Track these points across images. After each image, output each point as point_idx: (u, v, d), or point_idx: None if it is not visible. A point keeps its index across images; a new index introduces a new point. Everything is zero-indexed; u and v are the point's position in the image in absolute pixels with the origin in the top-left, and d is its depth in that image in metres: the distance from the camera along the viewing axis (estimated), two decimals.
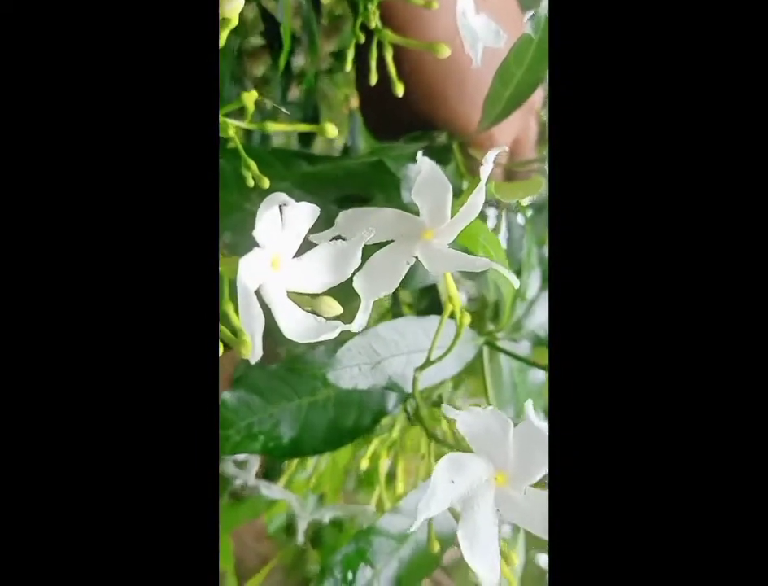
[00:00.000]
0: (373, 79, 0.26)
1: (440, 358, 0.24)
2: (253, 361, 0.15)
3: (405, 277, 0.31)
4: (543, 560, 0.35)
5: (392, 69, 0.26)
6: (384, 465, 0.28)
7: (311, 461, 0.32)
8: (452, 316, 0.23)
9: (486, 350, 0.32)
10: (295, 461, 0.31)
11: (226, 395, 0.26)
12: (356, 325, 0.18)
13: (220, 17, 0.18)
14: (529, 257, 0.31)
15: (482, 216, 0.32)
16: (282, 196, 0.16)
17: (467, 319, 0.22)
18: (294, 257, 0.17)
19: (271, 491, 0.28)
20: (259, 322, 0.15)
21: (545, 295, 0.32)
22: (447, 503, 0.16)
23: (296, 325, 0.16)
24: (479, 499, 0.17)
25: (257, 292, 0.15)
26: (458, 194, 0.31)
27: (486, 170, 0.18)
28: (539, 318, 0.32)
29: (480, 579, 0.16)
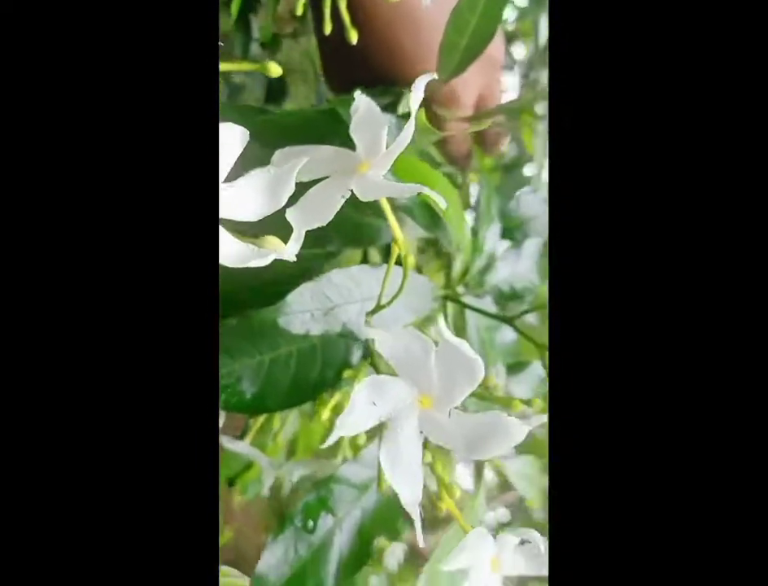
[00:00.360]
0: (327, 28, 0.26)
1: (390, 302, 0.24)
2: None
3: (372, 234, 0.31)
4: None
5: (345, 17, 0.26)
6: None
7: (278, 419, 0.32)
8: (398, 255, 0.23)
9: (450, 306, 0.32)
10: (261, 419, 0.31)
11: None
12: (288, 252, 0.18)
13: None
14: (488, 209, 0.31)
15: (451, 179, 0.32)
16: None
17: (411, 260, 0.22)
18: (224, 182, 0.17)
19: (235, 445, 0.29)
20: None
21: (507, 251, 0.32)
22: (366, 424, 0.17)
23: (227, 250, 0.16)
24: (402, 421, 0.17)
25: None
26: (422, 154, 0.31)
27: (415, 97, 0.18)
28: (502, 273, 0.32)
29: (402, 499, 0.16)
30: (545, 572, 0.19)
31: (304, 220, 0.19)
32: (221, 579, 0.27)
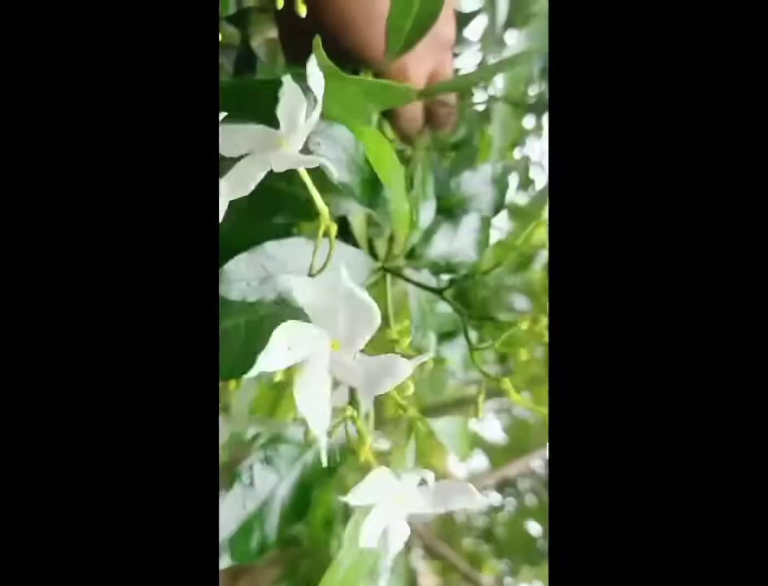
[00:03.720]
0: (280, 3, 0.27)
1: (319, 271, 0.25)
2: None
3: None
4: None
5: None
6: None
7: (233, 383, 0.33)
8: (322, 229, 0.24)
9: (389, 278, 0.33)
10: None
11: None
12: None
13: None
14: (423, 187, 0.32)
15: (402, 157, 0.34)
16: None
17: (334, 229, 0.24)
18: None
19: None
20: None
21: (443, 226, 0.34)
22: (282, 365, 0.18)
23: None
24: (314, 362, 0.18)
25: None
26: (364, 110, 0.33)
27: (314, 78, 0.20)
28: (437, 249, 0.34)
29: (311, 426, 0.18)
30: (441, 510, 0.21)
31: (230, 191, 0.20)
32: None
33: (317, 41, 0.20)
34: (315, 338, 0.18)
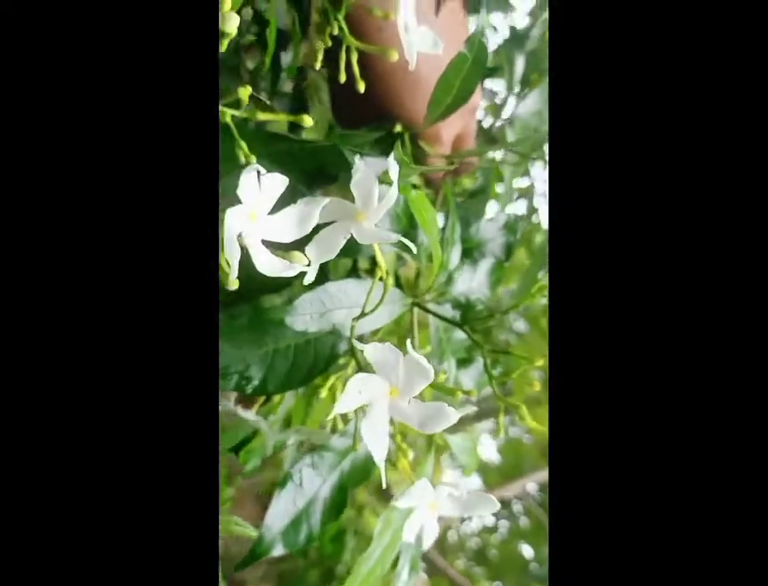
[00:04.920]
0: (342, 77, 0.30)
1: (371, 311, 0.30)
2: (231, 286, 0.21)
3: (360, 248, 0.37)
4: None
5: (356, 70, 0.30)
6: (338, 396, 0.35)
7: (277, 396, 0.38)
8: (380, 276, 0.29)
9: (416, 310, 0.38)
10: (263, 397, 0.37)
11: None
12: (308, 278, 0.24)
13: (221, 31, 0.22)
14: (453, 233, 0.37)
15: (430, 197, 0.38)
16: (259, 167, 0.21)
17: (390, 281, 0.29)
18: (269, 214, 0.22)
19: (247, 414, 0.35)
20: (237, 254, 0.20)
21: (466, 269, 0.39)
22: (353, 405, 0.23)
23: (266, 263, 0.22)
24: (377, 405, 0.23)
25: (239, 237, 0.21)
26: (407, 175, 0.37)
27: (393, 169, 0.25)
28: (460, 287, 0.39)
29: (374, 457, 0.23)
30: (466, 514, 0.26)
31: (318, 255, 0.25)
32: (235, 528, 0.33)
33: (398, 144, 0.25)
34: (378, 387, 0.23)
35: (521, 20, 0.55)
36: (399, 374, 0.23)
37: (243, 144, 0.25)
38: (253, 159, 0.25)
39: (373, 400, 0.23)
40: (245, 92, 0.24)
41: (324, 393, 0.33)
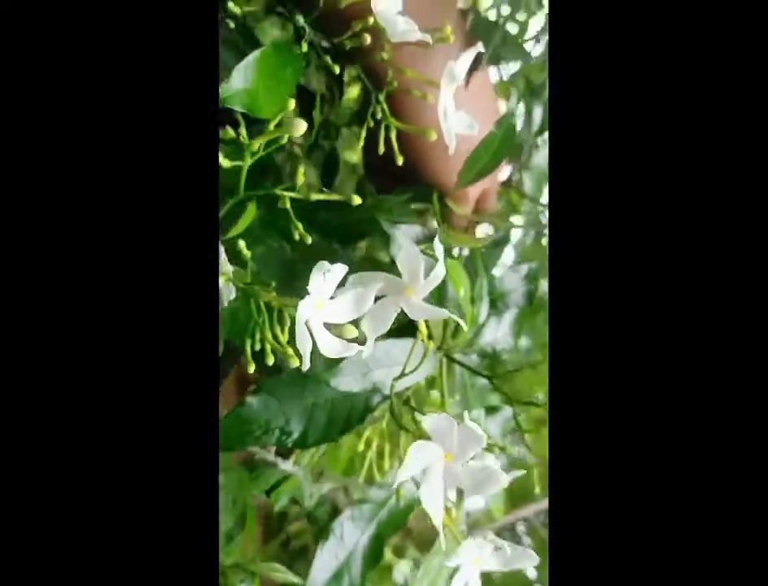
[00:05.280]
0: (381, 150, 0.32)
1: (412, 371, 0.32)
2: (304, 369, 0.22)
3: None
4: None
5: (395, 145, 0.32)
6: (373, 447, 0.36)
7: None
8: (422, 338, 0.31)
9: (444, 360, 0.40)
10: None
11: (250, 398, 0.33)
12: (365, 353, 0.26)
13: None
14: (481, 290, 0.39)
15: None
16: (326, 265, 0.22)
17: (431, 345, 0.30)
18: (330, 299, 0.24)
19: (285, 465, 0.36)
20: (309, 345, 0.22)
21: (492, 320, 0.41)
22: (414, 472, 0.25)
23: (328, 345, 0.23)
24: (434, 469, 0.25)
25: (306, 323, 0.22)
26: (434, 233, 0.39)
27: (438, 249, 0.26)
28: (486, 338, 0.40)
29: (431, 517, 0.24)
30: (507, 568, 0.27)
31: (373, 330, 0.27)
32: (277, 576, 0.34)
33: (440, 230, 0.26)
34: (434, 453, 0.25)
35: (538, 72, 0.57)
36: (454, 441, 0.25)
37: (299, 225, 0.27)
38: (308, 238, 0.27)
39: (430, 466, 0.25)
40: (301, 177, 0.26)
41: (361, 446, 0.35)
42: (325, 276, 0.23)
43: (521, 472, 0.25)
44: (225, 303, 0.25)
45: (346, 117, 0.42)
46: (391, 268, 0.35)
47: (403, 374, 0.32)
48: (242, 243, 0.26)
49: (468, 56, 0.30)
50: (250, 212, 0.29)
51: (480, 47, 0.30)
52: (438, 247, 0.26)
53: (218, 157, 0.24)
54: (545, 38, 0.44)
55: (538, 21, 0.44)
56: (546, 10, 0.43)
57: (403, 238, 0.27)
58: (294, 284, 0.33)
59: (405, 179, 0.38)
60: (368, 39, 0.28)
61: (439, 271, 0.26)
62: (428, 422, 0.24)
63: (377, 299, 0.27)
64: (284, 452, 0.39)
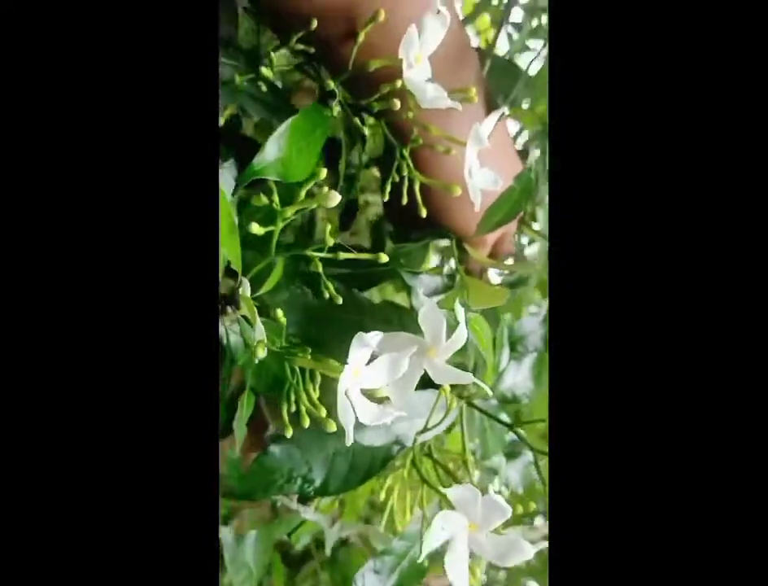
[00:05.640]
0: (404, 201, 0.32)
1: (435, 426, 0.32)
2: (348, 443, 0.23)
3: None
4: None
5: (418, 198, 0.32)
6: (394, 496, 0.36)
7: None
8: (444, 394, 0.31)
9: (464, 406, 0.40)
10: None
11: (273, 448, 0.34)
12: (399, 416, 0.26)
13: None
14: (501, 337, 0.39)
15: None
16: (366, 337, 0.23)
17: (455, 402, 0.31)
18: (366, 365, 0.24)
19: (307, 513, 0.36)
20: (352, 418, 0.22)
21: (511, 365, 0.41)
22: (440, 541, 0.25)
23: (366, 413, 0.24)
24: (458, 539, 0.25)
25: (345, 393, 0.22)
26: (452, 278, 0.40)
27: (460, 312, 0.27)
28: (506, 383, 0.40)
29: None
30: None
31: (399, 392, 0.27)
32: None
33: (457, 303, 0.27)
34: (459, 522, 0.25)
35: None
36: (478, 512, 0.25)
37: (330, 285, 0.27)
38: (339, 299, 0.27)
39: (454, 535, 0.25)
40: (331, 239, 0.26)
41: (382, 495, 0.35)
42: (363, 346, 0.23)
43: (545, 544, 0.25)
44: (256, 361, 0.25)
45: (365, 161, 0.43)
46: (410, 313, 0.35)
47: (425, 429, 0.32)
48: (279, 312, 0.27)
49: (492, 118, 0.30)
50: (279, 270, 0.29)
51: (504, 108, 0.31)
52: (460, 311, 0.26)
53: (218, 186, 0.23)
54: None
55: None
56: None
57: (426, 298, 0.27)
58: (318, 331, 0.34)
59: (424, 225, 0.39)
60: (397, 104, 0.28)
61: (461, 335, 0.27)
62: (452, 493, 0.24)
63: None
64: (305, 499, 0.39)
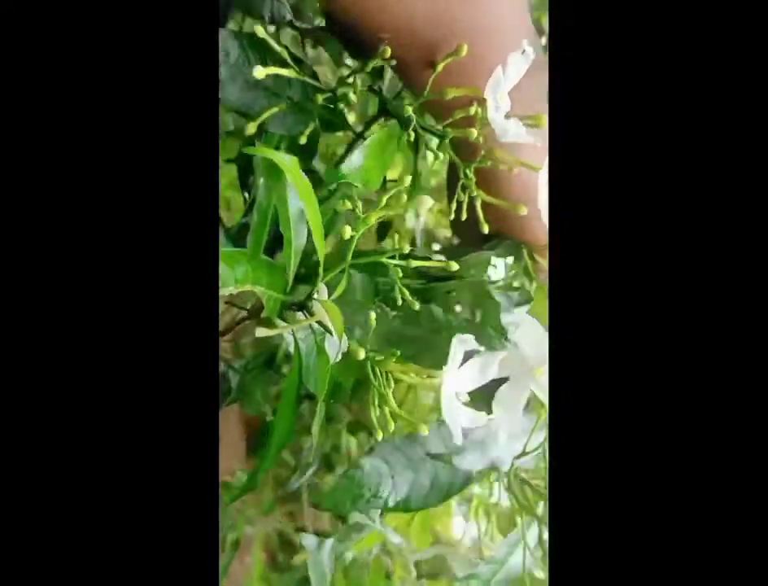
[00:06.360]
0: (464, 216, 0.31)
1: (534, 450, 0.30)
2: (458, 442, 0.22)
3: None
4: None
5: (481, 215, 0.31)
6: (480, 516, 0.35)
7: None
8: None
9: None
10: None
11: (363, 462, 0.33)
12: (491, 419, 0.25)
13: None
14: None
15: None
16: (464, 337, 0.23)
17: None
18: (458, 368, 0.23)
19: (388, 532, 0.35)
20: (459, 418, 0.23)
21: None
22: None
23: (465, 417, 0.23)
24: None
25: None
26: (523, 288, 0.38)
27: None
28: None
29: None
30: None
31: (507, 414, 0.25)
32: None
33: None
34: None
35: None
36: None
37: (406, 292, 0.26)
38: (416, 305, 0.26)
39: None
40: (406, 247, 0.26)
41: (471, 515, 0.33)
42: (461, 348, 0.23)
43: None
44: (338, 358, 0.25)
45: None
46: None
47: (524, 453, 0.30)
48: (372, 315, 0.26)
49: None
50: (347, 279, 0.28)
51: None
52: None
53: (218, 186, 0.23)
54: None
55: None
56: None
57: (527, 317, 0.26)
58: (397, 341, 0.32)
59: (491, 237, 0.37)
60: (474, 134, 0.27)
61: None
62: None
63: (502, 381, 0.26)
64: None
